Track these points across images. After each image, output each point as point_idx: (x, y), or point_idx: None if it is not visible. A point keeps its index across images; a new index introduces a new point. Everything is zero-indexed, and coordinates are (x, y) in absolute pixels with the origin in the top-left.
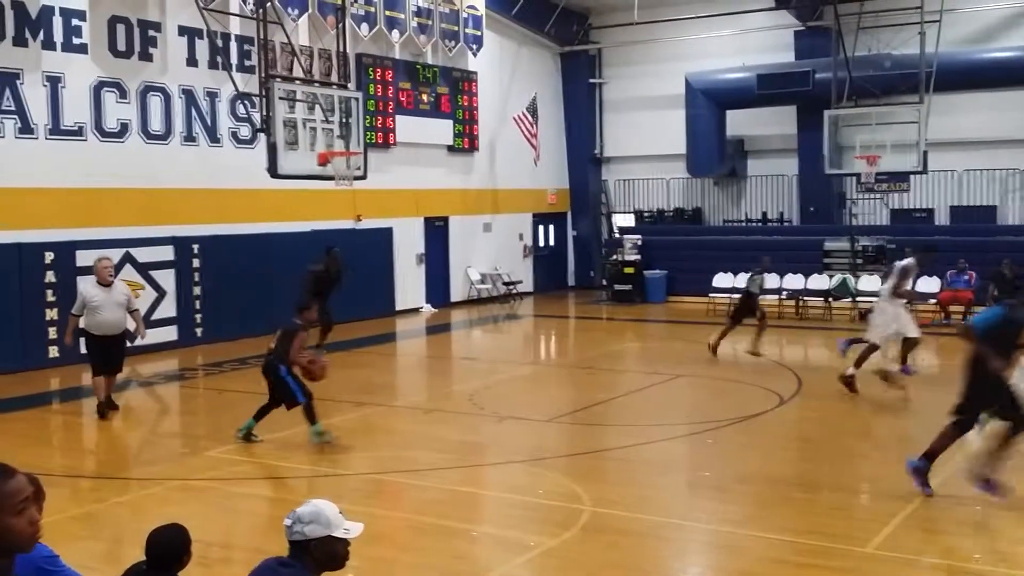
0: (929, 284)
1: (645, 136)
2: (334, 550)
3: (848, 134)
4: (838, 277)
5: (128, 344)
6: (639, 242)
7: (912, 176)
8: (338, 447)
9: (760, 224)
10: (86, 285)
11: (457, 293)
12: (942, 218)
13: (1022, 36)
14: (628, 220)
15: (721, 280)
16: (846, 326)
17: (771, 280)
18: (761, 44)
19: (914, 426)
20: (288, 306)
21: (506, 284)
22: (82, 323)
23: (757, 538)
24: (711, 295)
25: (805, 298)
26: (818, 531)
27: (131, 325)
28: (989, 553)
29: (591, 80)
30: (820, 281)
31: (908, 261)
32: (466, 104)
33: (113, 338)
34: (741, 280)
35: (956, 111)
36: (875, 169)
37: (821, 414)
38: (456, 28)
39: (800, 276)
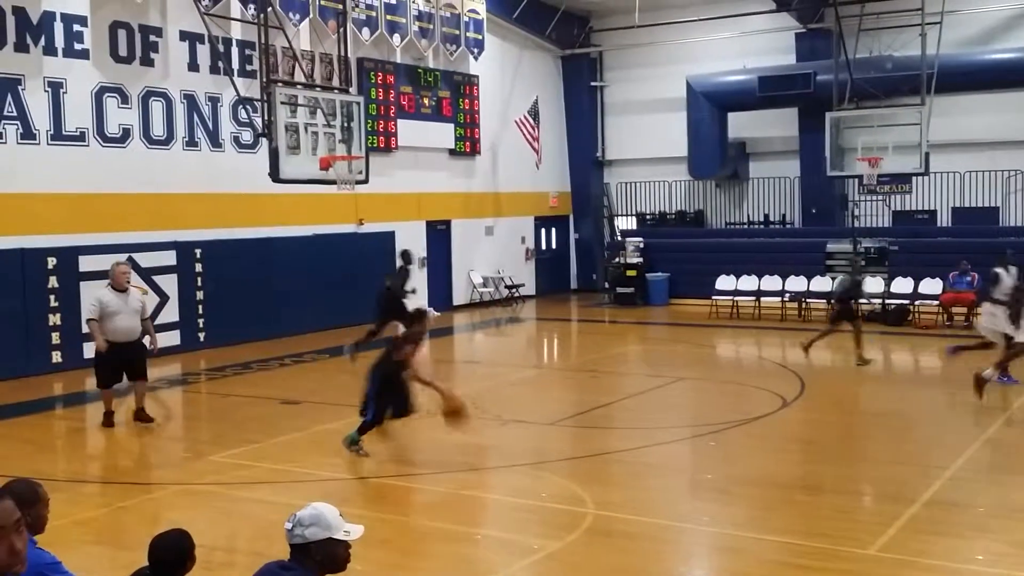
0: (931, 286)
1: (647, 139)
2: (335, 552)
3: (850, 136)
4: (840, 279)
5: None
6: (641, 245)
7: (914, 178)
8: (342, 450)
9: (762, 226)
10: (101, 291)
11: (459, 296)
12: (944, 219)
13: (1023, 37)
14: (630, 223)
15: (723, 283)
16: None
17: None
18: (762, 46)
19: (916, 427)
20: (291, 308)
21: (508, 287)
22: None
23: (760, 540)
24: (713, 298)
25: (808, 300)
26: (821, 533)
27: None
28: (991, 555)
29: (592, 83)
30: (823, 283)
31: None
32: (467, 108)
33: (128, 345)
34: (745, 283)
35: (957, 112)
36: (877, 171)
37: (824, 416)
38: (457, 32)
39: (803, 278)
